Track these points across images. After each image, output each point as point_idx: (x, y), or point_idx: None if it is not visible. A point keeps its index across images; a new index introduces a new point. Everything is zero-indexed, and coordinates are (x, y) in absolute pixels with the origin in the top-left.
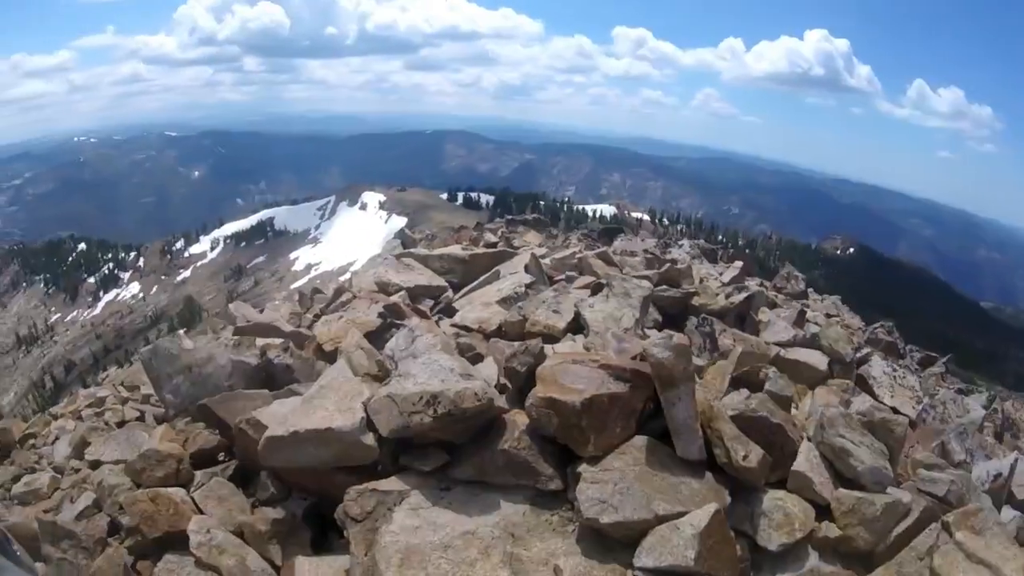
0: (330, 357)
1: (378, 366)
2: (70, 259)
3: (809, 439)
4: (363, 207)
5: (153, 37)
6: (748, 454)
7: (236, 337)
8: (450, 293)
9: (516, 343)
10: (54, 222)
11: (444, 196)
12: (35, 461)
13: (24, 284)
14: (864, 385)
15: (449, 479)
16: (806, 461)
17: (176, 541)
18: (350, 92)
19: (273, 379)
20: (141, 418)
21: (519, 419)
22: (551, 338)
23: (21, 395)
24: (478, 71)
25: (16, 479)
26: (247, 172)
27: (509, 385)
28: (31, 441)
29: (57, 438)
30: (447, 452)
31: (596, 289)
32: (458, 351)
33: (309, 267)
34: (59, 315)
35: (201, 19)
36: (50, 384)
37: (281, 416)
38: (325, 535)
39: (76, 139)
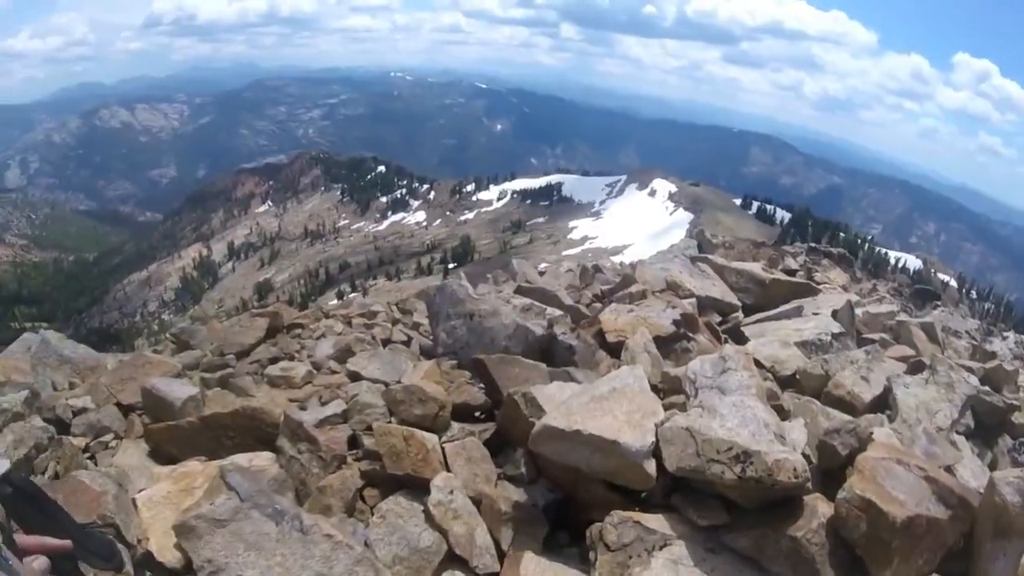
0: (611, 348)
1: (662, 378)
2: (368, 177)
3: None
4: (651, 193)
5: None
6: None
7: (524, 300)
8: (740, 315)
9: (834, 411)
10: (359, 142)
11: (737, 201)
12: (296, 350)
13: (322, 188)
14: None
15: (718, 541)
16: None
17: (410, 484)
18: (662, 75)
19: (551, 355)
20: (407, 343)
21: (820, 507)
22: (850, 407)
23: (294, 278)
24: (800, 75)
25: (274, 361)
26: (547, 134)
27: (814, 460)
28: (297, 330)
29: (323, 335)
30: (726, 510)
31: (915, 367)
32: None
33: (584, 239)
34: (347, 222)
35: None
36: (323, 276)
37: (560, 403)
38: (555, 533)
39: (393, 74)
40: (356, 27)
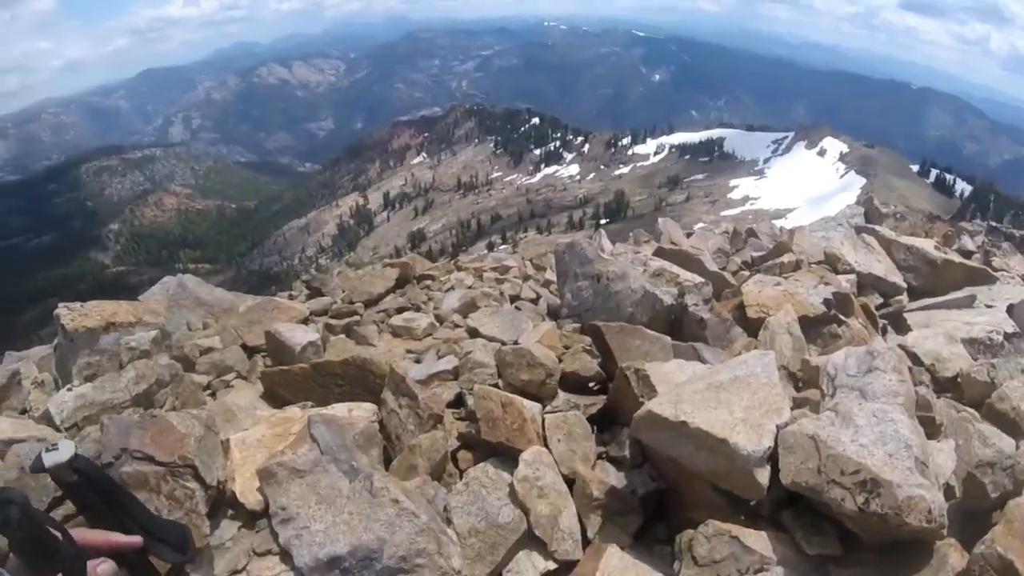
0: (750, 325)
1: (802, 366)
2: (522, 129)
3: None
4: (821, 153)
5: None
6: None
7: (661, 263)
8: (904, 298)
9: (992, 434)
10: (513, 93)
11: (915, 168)
12: (423, 301)
13: (476, 140)
14: None
15: (825, 574)
16: None
17: (504, 452)
18: (835, 21)
19: (680, 326)
20: (535, 301)
21: (952, 557)
22: (1013, 426)
23: (447, 228)
24: (986, 29)
25: (400, 311)
26: (708, 85)
27: (958, 494)
28: (427, 282)
29: (452, 288)
30: (840, 540)
31: None
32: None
33: (745, 199)
34: (500, 174)
35: None
36: (474, 227)
37: (675, 385)
38: (653, 525)
39: (547, 23)
40: None
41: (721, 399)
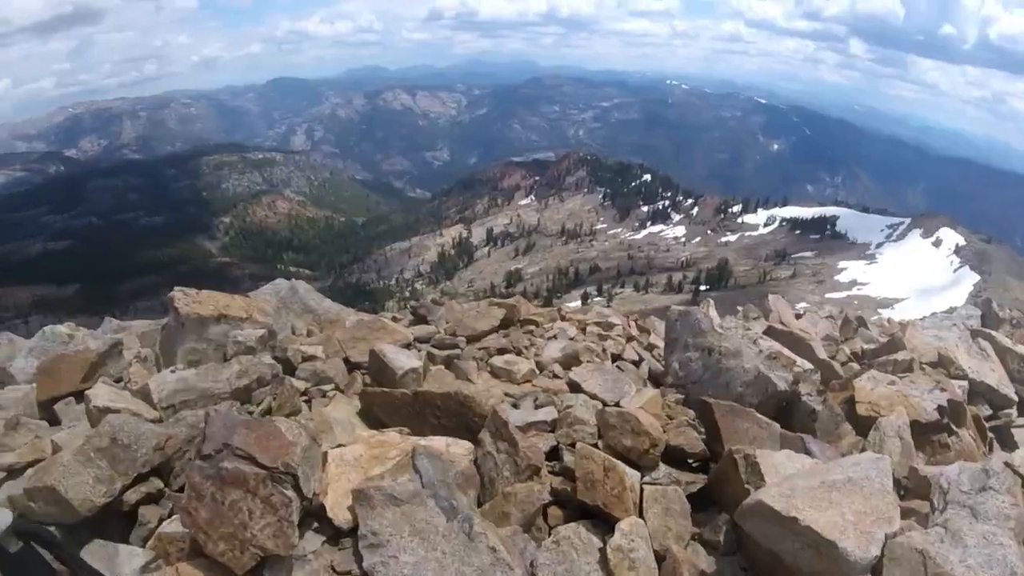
0: (858, 422)
1: (909, 473)
2: (633, 184)
3: None
4: (936, 243)
5: (759, 1)
6: None
7: (773, 344)
8: (1013, 412)
9: None
10: (628, 147)
11: None
12: (525, 346)
13: (585, 190)
14: None
15: None
16: None
17: (597, 516)
18: (960, 105)
19: (790, 415)
20: (637, 364)
21: None
22: None
23: (544, 272)
24: None
25: (501, 352)
26: (827, 160)
27: None
28: (531, 327)
29: (555, 337)
30: None
31: None
32: None
33: (853, 283)
34: (604, 226)
35: None
36: (572, 276)
37: (784, 478)
38: None
39: (668, 81)
40: (634, 31)
41: (833, 500)
